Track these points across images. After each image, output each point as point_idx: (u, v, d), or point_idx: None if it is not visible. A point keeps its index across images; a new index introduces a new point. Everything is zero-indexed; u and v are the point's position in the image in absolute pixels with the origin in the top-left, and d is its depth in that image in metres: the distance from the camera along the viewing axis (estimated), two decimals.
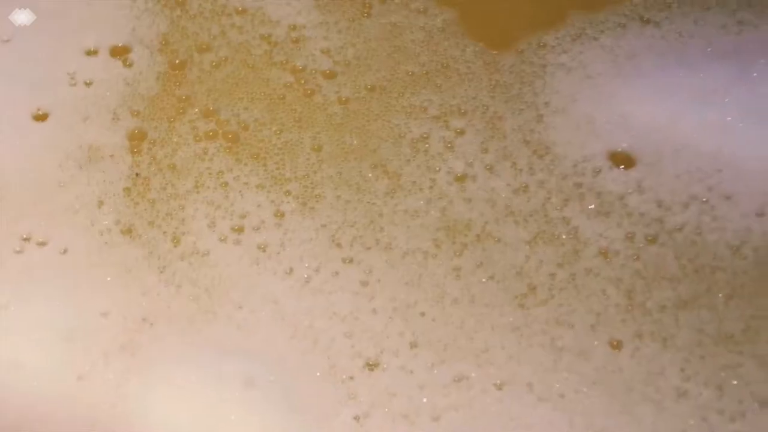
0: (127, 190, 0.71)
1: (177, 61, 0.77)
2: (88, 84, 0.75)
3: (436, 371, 0.64)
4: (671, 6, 0.77)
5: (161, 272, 0.67)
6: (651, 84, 0.73)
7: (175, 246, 0.69)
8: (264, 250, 0.68)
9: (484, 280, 0.66)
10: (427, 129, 0.73)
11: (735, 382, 0.63)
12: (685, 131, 0.71)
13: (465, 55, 0.76)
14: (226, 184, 0.71)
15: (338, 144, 0.73)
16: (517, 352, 0.64)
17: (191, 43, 0.77)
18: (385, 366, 0.64)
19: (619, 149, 0.71)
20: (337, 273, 0.67)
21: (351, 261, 0.67)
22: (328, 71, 0.76)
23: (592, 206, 0.69)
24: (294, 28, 0.78)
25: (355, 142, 0.72)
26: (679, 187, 0.69)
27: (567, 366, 0.64)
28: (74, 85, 0.75)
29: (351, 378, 0.64)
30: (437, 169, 0.71)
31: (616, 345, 0.64)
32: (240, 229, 0.69)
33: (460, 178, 0.71)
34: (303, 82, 0.75)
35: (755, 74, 0.73)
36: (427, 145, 0.72)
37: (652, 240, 0.68)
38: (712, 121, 0.71)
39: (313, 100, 0.75)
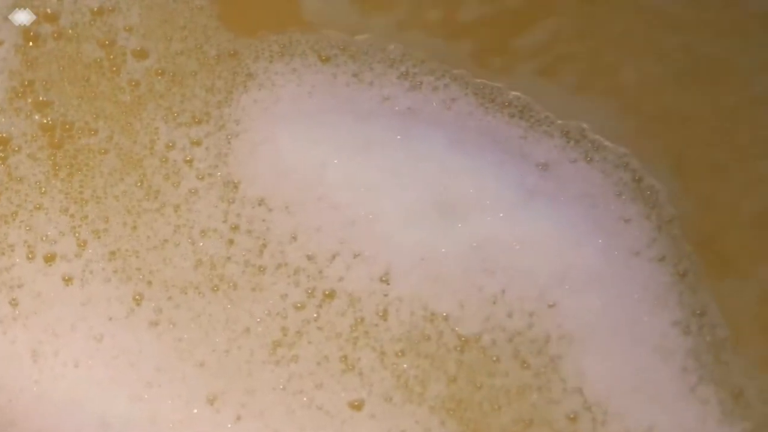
0: None
1: (31, 33, 0.73)
2: None
3: (240, 426, 0.64)
4: (347, 49, 0.71)
5: (13, 306, 0.70)
6: (315, 125, 0.69)
7: (11, 276, 0.70)
8: (72, 283, 0.68)
9: (240, 330, 0.64)
10: (172, 137, 0.69)
11: None
12: (330, 181, 0.68)
13: (214, 41, 0.70)
14: (41, 206, 0.70)
15: (120, 151, 0.69)
16: (290, 413, 0.63)
17: (40, 10, 0.74)
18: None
19: (269, 193, 0.67)
20: (132, 310, 0.67)
21: (142, 297, 0.66)
22: (139, 49, 0.72)
23: (265, 256, 0.67)
24: None
25: (129, 147, 0.69)
26: (322, 240, 0.67)
27: (325, 426, 0.63)
28: None
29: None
30: (177, 184, 0.68)
31: (357, 405, 0.63)
32: (52, 258, 0.69)
33: (187, 202, 0.68)
34: (112, 57, 0.71)
35: (417, 136, 0.68)
36: (174, 155, 0.68)
37: (330, 295, 0.65)
38: (356, 175, 0.68)
39: (120, 87, 0.71)
